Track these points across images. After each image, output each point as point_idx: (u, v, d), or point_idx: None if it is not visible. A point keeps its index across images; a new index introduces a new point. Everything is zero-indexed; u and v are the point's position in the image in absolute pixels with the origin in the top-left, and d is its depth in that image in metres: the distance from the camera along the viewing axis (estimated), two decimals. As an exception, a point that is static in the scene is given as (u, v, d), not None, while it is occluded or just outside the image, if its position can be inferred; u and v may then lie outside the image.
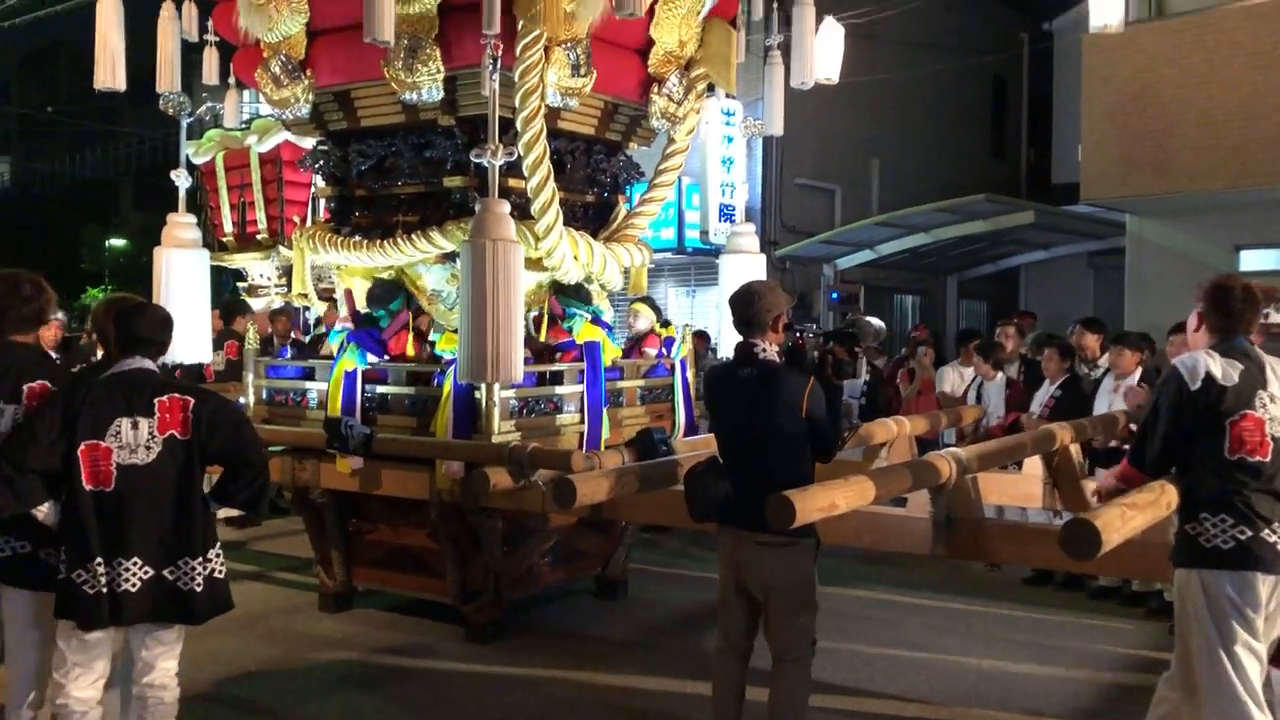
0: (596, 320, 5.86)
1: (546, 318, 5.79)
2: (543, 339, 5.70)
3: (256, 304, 11.83)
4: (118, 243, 26.73)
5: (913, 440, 5.77)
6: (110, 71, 5.41)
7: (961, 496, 3.86)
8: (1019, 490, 5.23)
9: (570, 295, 5.78)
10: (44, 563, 3.44)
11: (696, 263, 16.73)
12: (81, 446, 3.32)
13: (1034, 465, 4.99)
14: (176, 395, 3.44)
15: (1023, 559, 3.85)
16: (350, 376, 5.41)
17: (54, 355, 4.75)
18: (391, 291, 5.69)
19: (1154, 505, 3.27)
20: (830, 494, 3.32)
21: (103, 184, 32.68)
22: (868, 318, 3.94)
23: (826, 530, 3.74)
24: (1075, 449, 4.75)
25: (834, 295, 16.28)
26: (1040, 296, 16.56)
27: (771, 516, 3.16)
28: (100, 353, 4.31)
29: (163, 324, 3.60)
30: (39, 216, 30.33)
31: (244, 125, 11.19)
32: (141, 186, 30.32)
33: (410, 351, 5.65)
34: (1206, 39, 10.84)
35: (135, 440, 3.36)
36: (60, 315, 4.74)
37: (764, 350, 3.79)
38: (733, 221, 15.60)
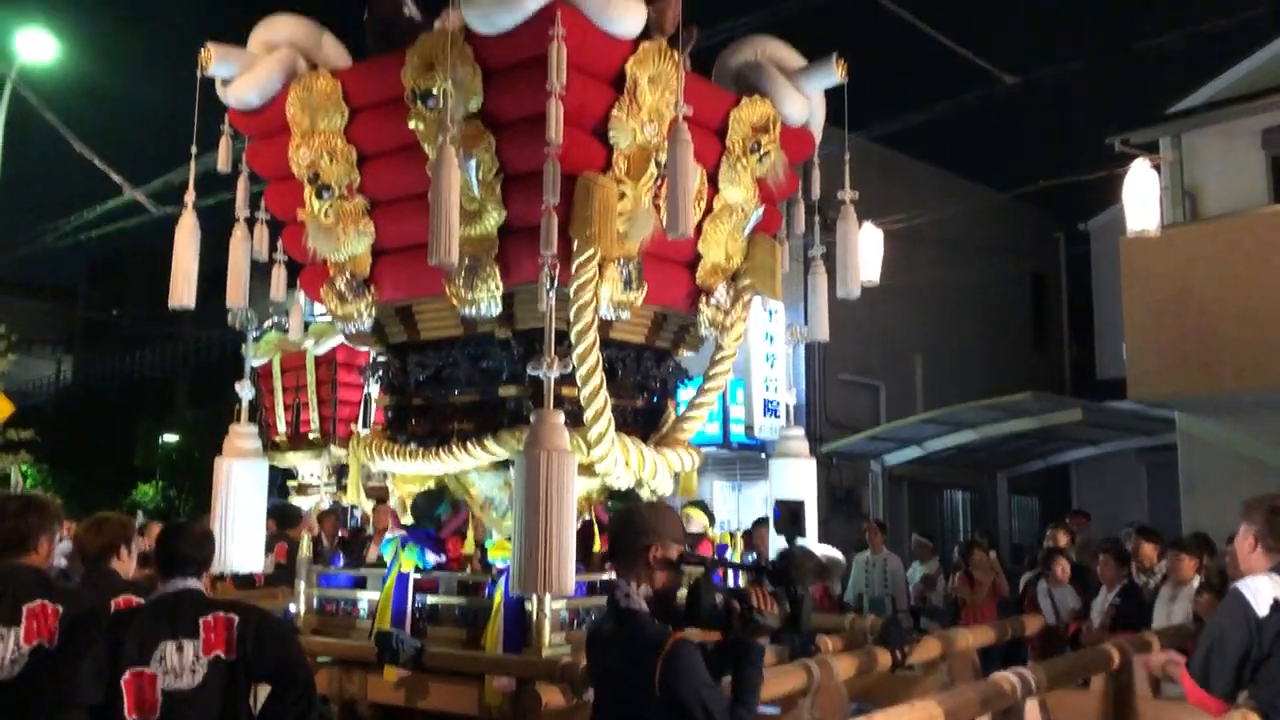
0: (646, 528, 5.84)
1: (596, 527, 5.78)
2: (596, 549, 5.69)
3: (306, 502, 11.96)
4: (170, 439, 27.21)
5: (975, 653, 5.61)
6: (184, 291, 5.67)
7: (1030, 720, 3.73)
8: (1086, 707, 5.03)
9: (621, 502, 5.78)
10: None
11: (742, 457, 16.75)
12: (126, 675, 3.28)
13: (1101, 682, 4.83)
14: (221, 614, 3.42)
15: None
16: (402, 582, 5.38)
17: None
18: (433, 503, 5.75)
19: (1238, 737, 3.15)
20: (895, 721, 3.22)
21: (160, 382, 33.57)
22: (817, 545, 3.33)
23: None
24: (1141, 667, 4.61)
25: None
26: (1093, 492, 16.32)
27: (837, 747, 3.06)
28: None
29: (202, 541, 3.64)
30: (96, 414, 31.06)
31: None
32: (198, 384, 31.11)
33: (468, 548, 5.64)
34: (1243, 241, 11.05)
35: (180, 664, 3.32)
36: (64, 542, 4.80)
37: (627, 596, 2.98)
38: (777, 416, 15.70)
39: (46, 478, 23.55)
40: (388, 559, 5.54)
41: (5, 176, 14.04)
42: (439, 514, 5.71)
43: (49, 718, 3.27)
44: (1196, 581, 6.39)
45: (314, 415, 11.99)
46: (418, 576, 5.42)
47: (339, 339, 10.74)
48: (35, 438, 15.18)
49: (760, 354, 15.85)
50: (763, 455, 15.12)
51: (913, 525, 15.45)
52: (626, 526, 3.15)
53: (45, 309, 38.92)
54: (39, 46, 13.62)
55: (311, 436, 12.06)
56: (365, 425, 11.31)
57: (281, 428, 12.29)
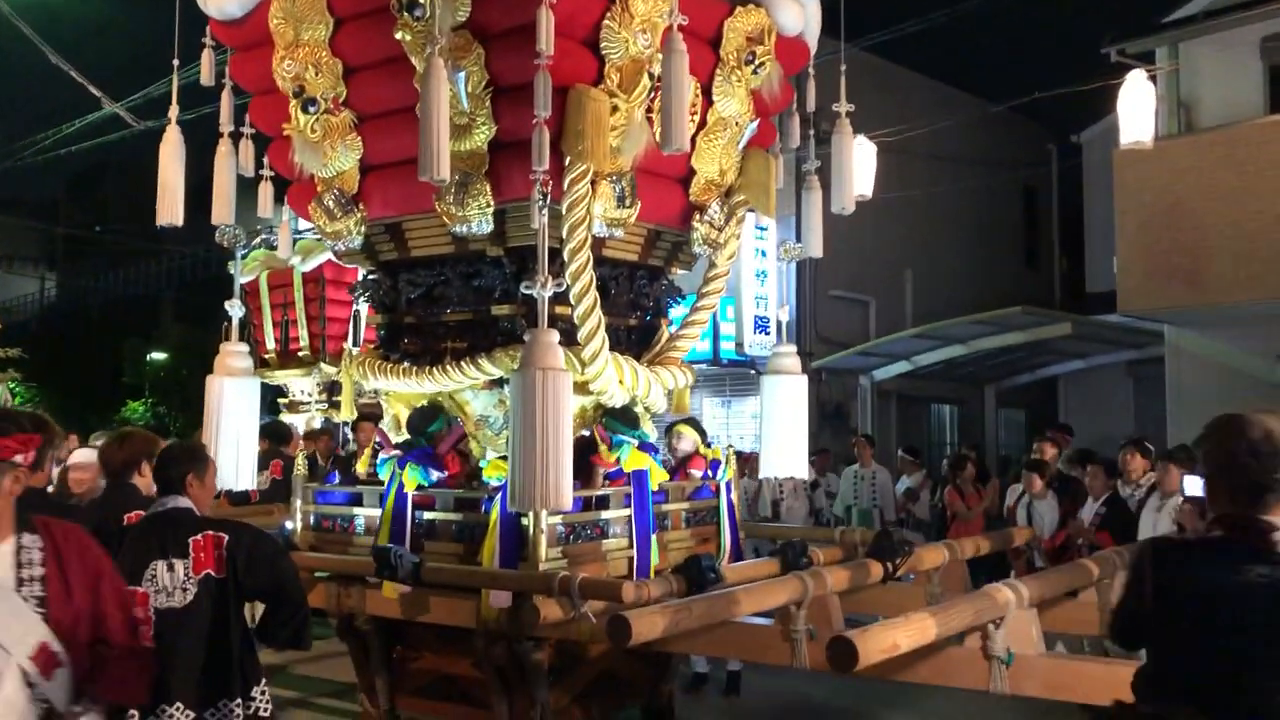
0: (643, 446, 5.85)
1: (598, 442, 5.77)
2: (607, 460, 5.66)
3: (297, 420, 11.98)
4: (158, 356, 27.13)
5: (965, 566, 5.69)
6: (171, 208, 5.58)
7: (1023, 631, 3.78)
8: (1075, 617, 5.12)
9: (617, 419, 5.78)
10: None
11: (731, 374, 16.78)
12: None
13: (1092, 592, 4.91)
14: (210, 533, 3.45)
15: (1089, 697, 3.74)
16: (402, 499, 5.41)
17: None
18: (427, 419, 5.73)
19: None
20: (891, 633, 3.26)
21: (145, 299, 33.34)
22: None
23: (880, 664, 3.65)
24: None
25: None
26: (1079, 405, 16.44)
27: (832, 660, 3.11)
28: (101, 481, 4.37)
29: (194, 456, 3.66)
30: (82, 331, 30.90)
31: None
32: (183, 301, 30.92)
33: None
34: (1236, 153, 10.96)
35: (171, 583, 3.36)
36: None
37: None
38: (767, 333, 15.72)
39: (35, 396, 23.49)
40: (384, 478, 5.55)
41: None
42: (432, 430, 5.70)
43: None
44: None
45: (303, 332, 11.97)
46: (416, 494, 5.43)
47: (326, 256, 10.65)
48: (22, 355, 15.07)
49: (752, 271, 15.81)
50: (752, 371, 15.17)
51: (900, 439, 15.59)
52: (1270, 455, 2.42)
53: (26, 225, 38.42)
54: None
55: (301, 354, 12.06)
56: (355, 343, 11.30)
57: (271, 345, 12.28)
